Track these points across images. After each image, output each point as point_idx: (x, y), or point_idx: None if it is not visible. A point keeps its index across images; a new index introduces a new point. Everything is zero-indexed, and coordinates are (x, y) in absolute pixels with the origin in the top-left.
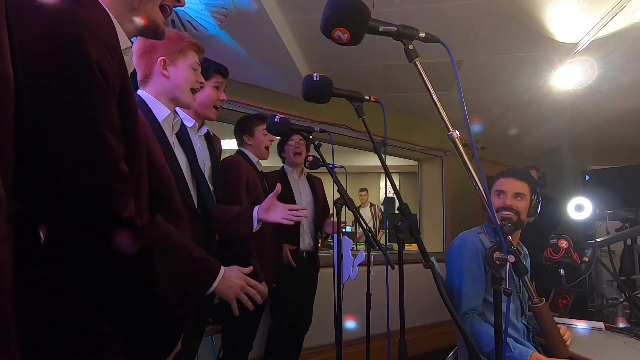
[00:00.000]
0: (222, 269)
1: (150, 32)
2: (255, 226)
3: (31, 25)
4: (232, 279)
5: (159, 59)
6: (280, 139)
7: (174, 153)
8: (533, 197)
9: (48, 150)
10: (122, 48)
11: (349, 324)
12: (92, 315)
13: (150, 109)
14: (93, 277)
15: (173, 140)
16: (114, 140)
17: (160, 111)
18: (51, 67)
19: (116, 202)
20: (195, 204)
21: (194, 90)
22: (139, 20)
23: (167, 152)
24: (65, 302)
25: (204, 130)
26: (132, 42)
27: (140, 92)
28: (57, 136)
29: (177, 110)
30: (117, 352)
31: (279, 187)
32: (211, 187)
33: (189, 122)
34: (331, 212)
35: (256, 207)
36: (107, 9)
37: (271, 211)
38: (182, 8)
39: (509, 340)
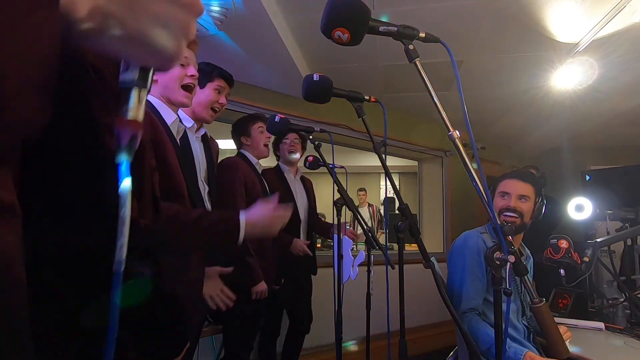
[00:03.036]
0: (242, 215)
1: None
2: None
3: None
4: (258, 223)
5: None
6: (275, 137)
7: (192, 156)
8: (537, 199)
9: (45, 153)
10: None
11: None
12: (97, 315)
13: (160, 113)
14: (97, 279)
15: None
16: (112, 142)
17: (168, 115)
18: None
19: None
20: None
21: (187, 87)
22: None
23: (181, 156)
24: (71, 305)
25: (202, 132)
26: None
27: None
28: (54, 138)
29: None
30: (128, 354)
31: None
32: (206, 188)
33: (188, 123)
34: (331, 212)
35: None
36: None
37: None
38: None
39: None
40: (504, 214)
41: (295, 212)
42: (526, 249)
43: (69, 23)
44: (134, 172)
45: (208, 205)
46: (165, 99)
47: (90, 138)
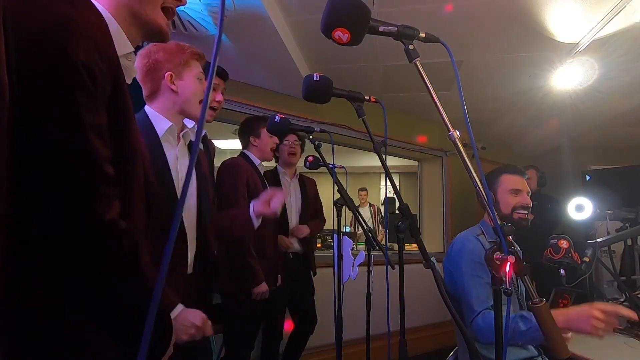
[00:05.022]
0: (178, 307)
1: (154, 34)
2: (256, 223)
3: (20, 25)
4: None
5: (167, 74)
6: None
7: (168, 167)
8: None
9: (31, 151)
10: (123, 53)
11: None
12: (79, 317)
13: (152, 124)
14: (76, 279)
15: (177, 152)
16: (98, 141)
17: (162, 125)
18: (36, 66)
19: (98, 204)
20: (195, 219)
21: (200, 102)
22: (140, 24)
23: (161, 169)
24: (50, 305)
25: (201, 132)
26: (134, 48)
27: (146, 108)
28: (39, 136)
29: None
30: (106, 355)
31: (275, 192)
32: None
33: (188, 124)
34: (331, 212)
35: (251, 205)
36: (107, 12)
37: (267, 205)
38: (182, 8)
39: (518, 320)
40: (520, 211)
41: (284, 215)
42: (515, 244)
43: None
44: (122, 175)
45: (190, 214)
46: (175, 110)
47: (76, 137)
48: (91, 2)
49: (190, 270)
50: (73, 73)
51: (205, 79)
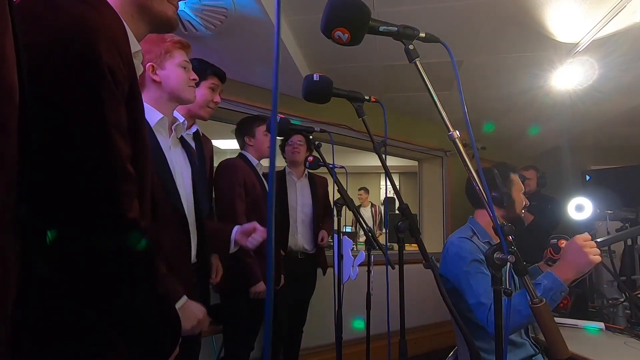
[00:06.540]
0: (183, 298)
1: (163, 25)
2: (232, 247)
3: (43, 29)
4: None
5: (147, 65)
6: (282, 140)
7: (164, 157)
8: None
9: (56, 151)
10: (132, 51)
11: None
12: (96, 316)
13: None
14: (96, 277)
15: (169, 142)
16: (121, 141)
17: (153, 116)
18: (63, 69)
19: (122, 203)
20: (193, 208)
21: (189, 86)
22: (150, 17)
23: (157, 156)
24: (69, 303)
25: (193, 129)
26: (140, 47)
27: None
28: (66, 136)
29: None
30: (119, 353)
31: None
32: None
33: (179, 119)
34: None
35: (236, 228)
36: (116, 11)
37: (249, 236)
38: (182, 8)
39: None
40: (524, 210)
41: (285, 214)
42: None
43: None
44: (138, 174)
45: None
46: (164, 100)
47: (101, 137)
48: (107, 1)
49: (194, 259)
50: (98, 74)
51: (200, 76)
